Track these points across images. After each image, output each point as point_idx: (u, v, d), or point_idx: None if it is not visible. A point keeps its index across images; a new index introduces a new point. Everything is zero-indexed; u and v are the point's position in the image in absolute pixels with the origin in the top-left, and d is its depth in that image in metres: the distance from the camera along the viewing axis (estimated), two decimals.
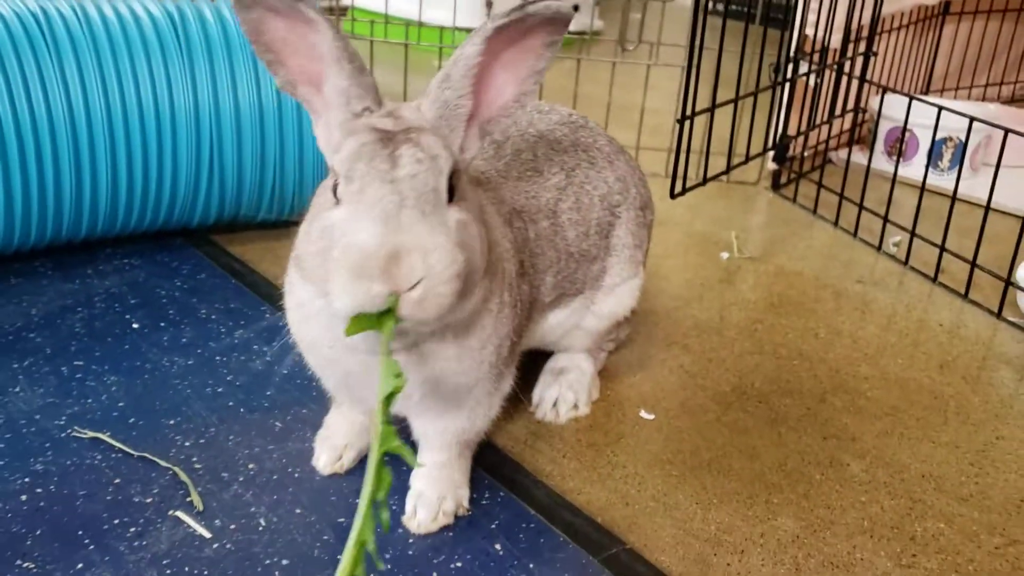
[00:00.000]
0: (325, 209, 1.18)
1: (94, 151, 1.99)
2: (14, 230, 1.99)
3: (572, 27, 4.32)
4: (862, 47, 2.79)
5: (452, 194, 1.17)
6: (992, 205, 2.24)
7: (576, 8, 4.33)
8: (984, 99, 3.97)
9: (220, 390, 1.74)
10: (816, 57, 2.68)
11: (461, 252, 1.13)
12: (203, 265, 2.19)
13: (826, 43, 2.65)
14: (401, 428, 1.51)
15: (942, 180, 2.94)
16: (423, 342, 1.28)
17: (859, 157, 3.06)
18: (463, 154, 1.26)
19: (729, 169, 2.44)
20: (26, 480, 1.48)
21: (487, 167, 1.53)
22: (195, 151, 2.09)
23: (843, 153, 3.17)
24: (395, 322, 1.10)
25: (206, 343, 1.88)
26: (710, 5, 2.36)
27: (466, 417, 1.44)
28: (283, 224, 2.38)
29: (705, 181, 2.27)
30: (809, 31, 2.72)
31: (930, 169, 2.94)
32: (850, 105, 2.83)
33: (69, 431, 1.60)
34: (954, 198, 2.38)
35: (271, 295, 2.08)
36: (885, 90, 2.69)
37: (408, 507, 1.46)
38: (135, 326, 1.93)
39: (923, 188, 2.49)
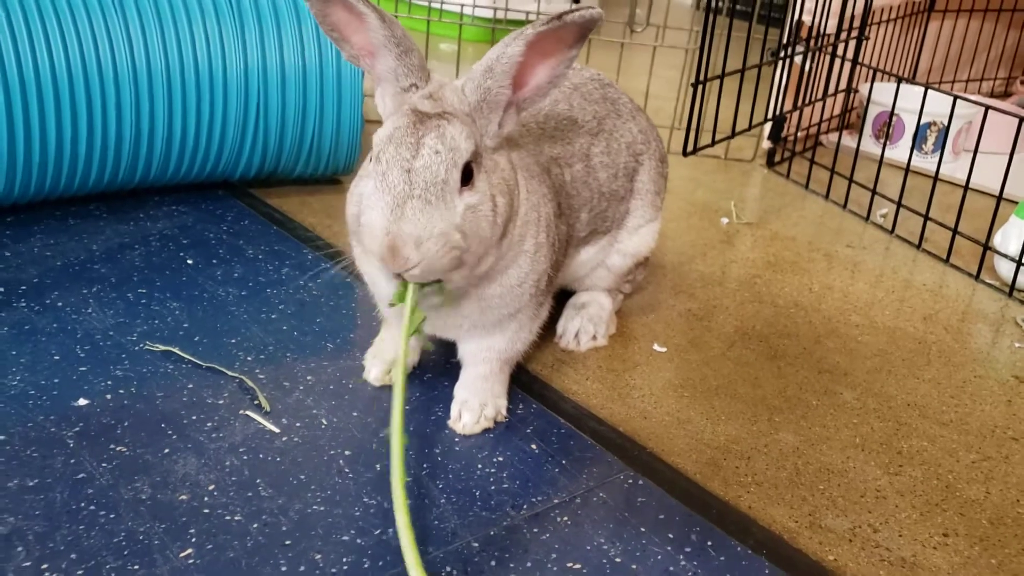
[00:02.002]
0: (364, 175, 1.40)
1: (153, 103, 2.15)
2: (76, 172, 2.15)
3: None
4: (854, 34, 2.98)
5: (469, 176, 1.36)
6: (972, 186, 2.44)
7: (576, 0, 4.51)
8: (965, 93, 4.18)
9: (274, 316, 1.91)
10: (812, 42, 2.88)
11: (458, 236, 1.34)
12: (245, 213, 2.36)
13: (822, 28, 2.85)
14: (448, 349, 1.70)
15: (926, 162, 3.14)
16: (457, 293, 1.49)
17: (848, 141, 3.27)
18: (501, 129, 1.46)
19: (734, 134, 2.65)
20: (109, 383, 1.64)
21: (529, 119, 1.71)
22: (243, 107, 2.25)
23: (834, 137, 3.37)
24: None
25: (256, 278, 2.05)
26: (714, 4, 2.52)
27: (508, 339, 1.63)
28: (315, 181, 2.56)
29: (714, 142, 2.46)
30: (806, 18, 2.92)
31: (915, 152, 3.16)
32: (842, 88, 3.03)
33: (142, 345, 1.76)
34: (936, 175, 2.58)
35: (311, 239, 2.25)
36: (875, 72, 2.90)
37: (453, 412, 1.64)
38: (189, 262, 2.09)
39: (908, 168, 2.69)
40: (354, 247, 1.60)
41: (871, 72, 2.97)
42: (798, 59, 2.89)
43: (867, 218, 2.79)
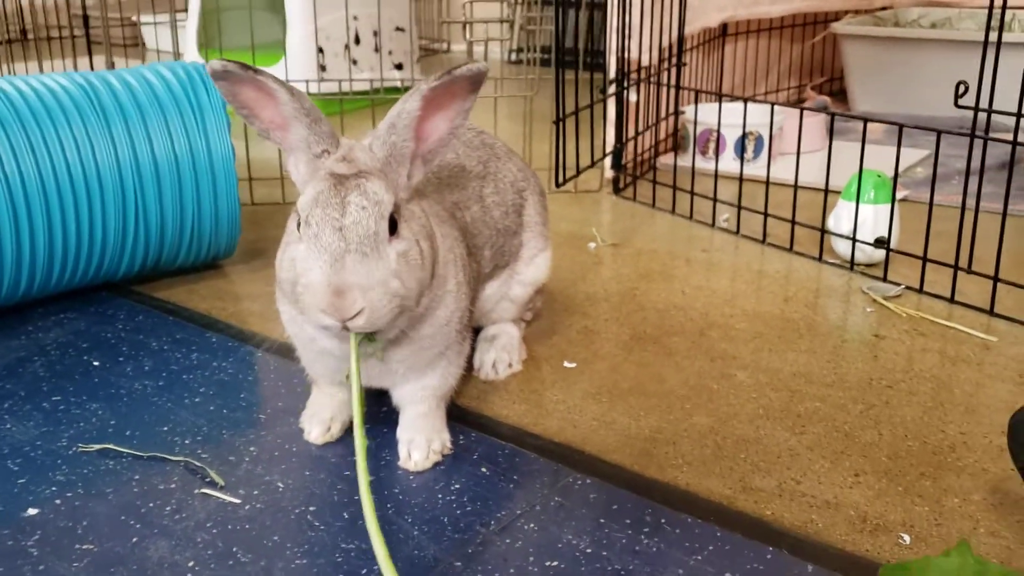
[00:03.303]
0: (292, 242, 1.48)
1: (31, 215, 2.14)
2: None
3: (397, 83, 4.66)
4: (674, 63, 3.28)
5: (394, 226, 1.47)
6: (789, 181, 2.75)
7: (400, 67, 4.68)
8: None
9: (197, 400, 1.94)
10: (640, 74, 3.14)
11: (396, 281, 1.44)
12: (137, 310, 2.37)
13: (646, 61, 3.12)
14: (379, 400, 1.78)
15: (749, 168, 3.45)
16: (395, 340, 1.58)
17: (679, 161, 3.55)
18: (410, 181, 1.58)
19: (593, 163, 2.86)
20: (53, 489, 1.64)
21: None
22: (121, 205, 2.27)
23: (666, 158, 3.65)
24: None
25: (168, 367, 2.07)
26: (529, 57, 2.76)
27: (440, 375, 1.73)
28: (196, 269, 2.59)
29: (579, 172, 2.66)
30: (634, 55, 3.18)
31: (739, 160, 3.47)
32: (670, 111, 3.31)
33: (74, 449, 1.76)
34: (768, 177, 2.87)
35: (211, 324, 2.28)
36: (697, 94, 3.18)
37: (402, 452, 1.72)
38: (95, 364, 2.09)
39: (741, 175, 2.98)
40: (283, 312, 1.67)
41: (695, 95, 3.26)
42: (631, 92, 3.14)
43: (713, 225, 3.05)
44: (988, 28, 2.19)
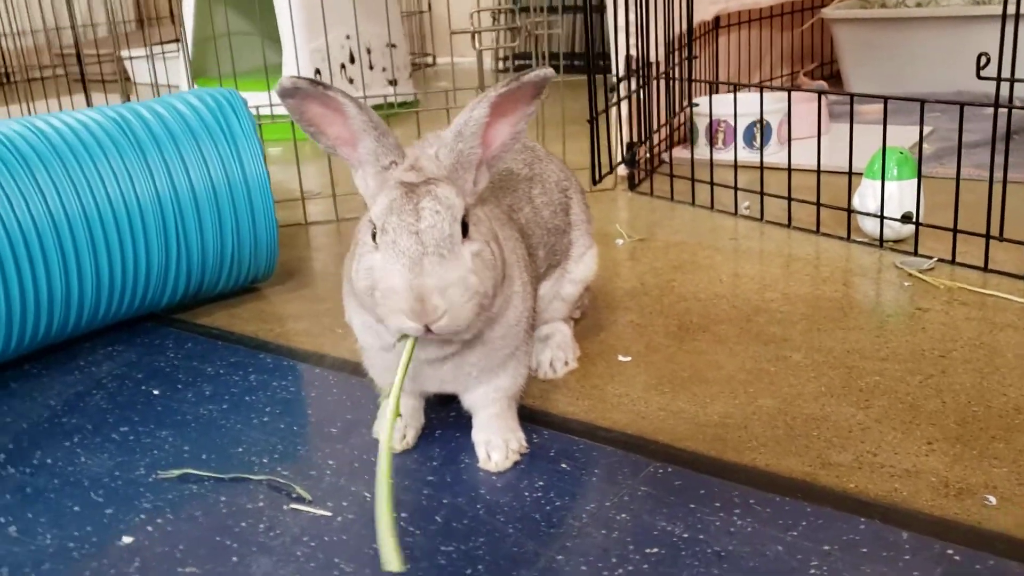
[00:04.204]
0: (367, 252, 1.50)
1: (78, 252, 2.15)
2: (12, 335, 2.11)
3: (408, 97, 4.68)
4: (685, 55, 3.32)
5: (465, 229, 1.50)
6: (803, 165, 2.83)
7: (394, 83, 4.69)
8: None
9: (265, 419, 1.95)
10: (652, 70, 3.18)
11: (475, 279, 1.47)
12: (184, 337, 2.38)
13: (651, 58, 3.16)
14: (447, 406, 1.80)
15: (758, 156, 3.49)
16: (469, 343, 1.61)
17: (687, 153, 3.59)
18: (476, 187, 1.60)
19: (623, 160, 2.90)
20: (142, 516, 1.65)
21: None
22: (163, 234, 2.28)
23: (677, 152, 3.69)
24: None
25: (228, 390, 2.08)
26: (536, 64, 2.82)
27: (511, 376, 1.75)
28: (233, 294, 2.60)
29: (612, 168, 2.69)
30: (633, 52, 3.22)
31: (748, 149, 3.52)
32: (681, 104, 3.35)
33: (154, 476, 1.77)
34: (790, 163, 2.91)
35: (261, 346, 2.29)
36: (712, 85, 3.23)
37: (481, 454, 1.74)
38: (155, 393, 2.10)
39: (762, 164, 3.01)
40: (355, 323, 1.69)
41: (708, 87, 3.31)
42: (643, 89, 3.18)
43: (735, 213, 3.09)
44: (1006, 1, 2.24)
